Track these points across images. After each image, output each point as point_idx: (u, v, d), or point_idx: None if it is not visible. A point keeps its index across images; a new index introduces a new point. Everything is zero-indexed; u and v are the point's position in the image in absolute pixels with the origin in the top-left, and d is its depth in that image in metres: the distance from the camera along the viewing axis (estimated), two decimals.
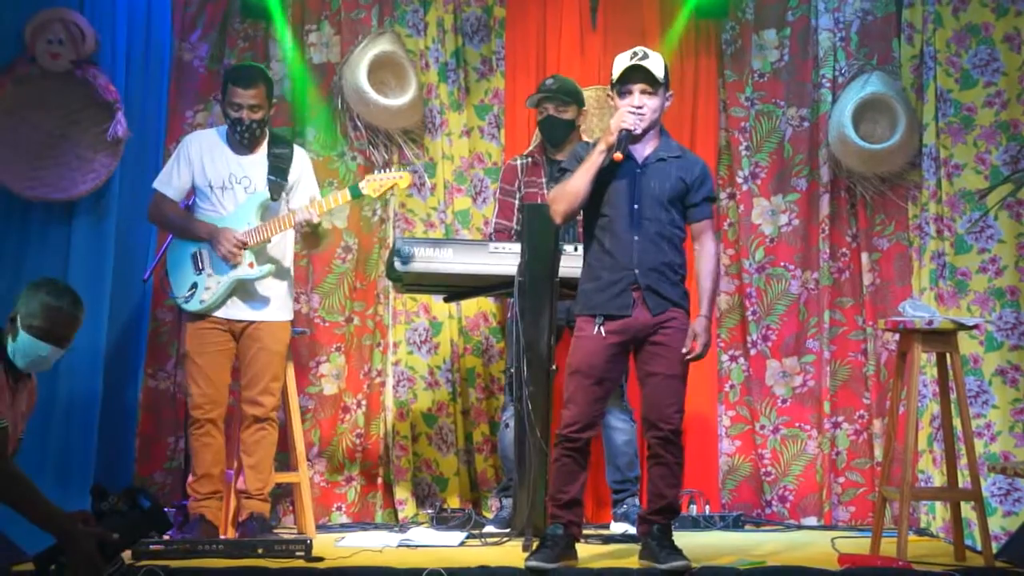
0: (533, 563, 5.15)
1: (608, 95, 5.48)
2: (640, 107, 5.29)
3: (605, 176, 5.29)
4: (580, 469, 5.36)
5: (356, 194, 6.14)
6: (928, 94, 6.95)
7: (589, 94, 6.94)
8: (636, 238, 5.28)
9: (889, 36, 7.17)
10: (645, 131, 5.33)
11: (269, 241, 6.07)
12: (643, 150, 5.37)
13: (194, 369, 6.05)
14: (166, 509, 6.26)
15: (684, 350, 5.24)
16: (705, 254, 5.39)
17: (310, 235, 6.13)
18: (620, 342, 5.29)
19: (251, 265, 6.03)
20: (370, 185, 6.13)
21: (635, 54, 5.33)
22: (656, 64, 5.31)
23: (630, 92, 5.31)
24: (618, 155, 5.19)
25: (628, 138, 5.25)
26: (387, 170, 6.41)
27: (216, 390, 6.05)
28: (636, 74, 5.30)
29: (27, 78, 6.39)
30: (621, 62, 5.34)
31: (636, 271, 5.26)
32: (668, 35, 7.25)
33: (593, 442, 6.76)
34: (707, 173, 5.45)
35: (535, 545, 5.35)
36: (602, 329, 5.27)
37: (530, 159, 6.67)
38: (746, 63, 7.30)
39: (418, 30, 7.29)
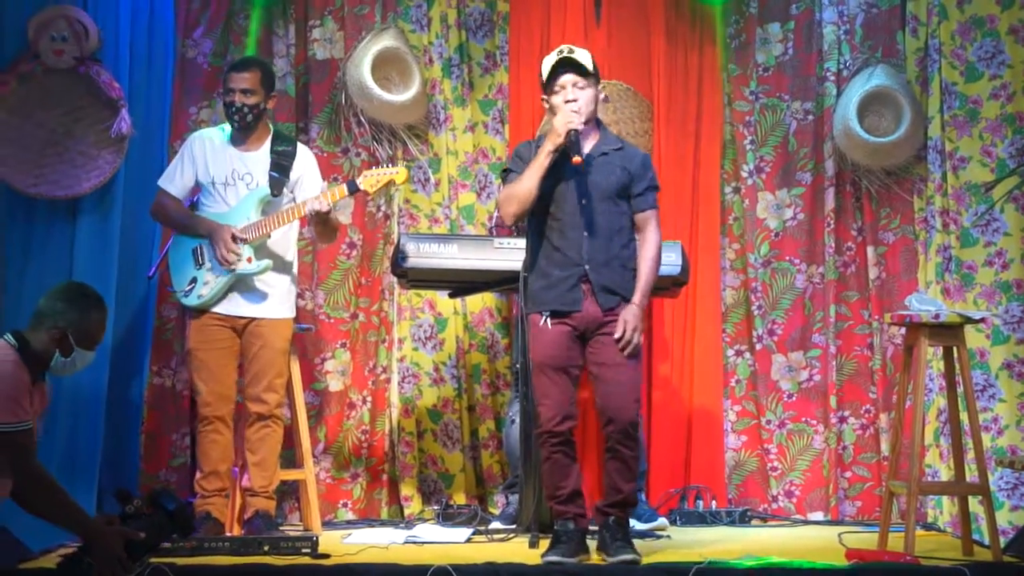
0: (552, 557, 5.16)
1: (542, 99, 5.52)
2: (574, 99, 5.34)
3: (550, 174, 5.33)
4: (571, 462, 5.39)
5: (353, 189, 6.14)
6: (933, 87, 6.94)
7: None
8: (585, 234, 5.33)
9: (894, 29, 7.15)
10: (585, 123, 5.36)
11: (269, 236, 6.06)
12: (585, 145, 5.40)
13: (200, 366, 6.06)
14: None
15: (616, 336, 5.26)
16: (647, 243, 5.42)
17: (322, 226, 6.15)
18: (572, 332, 5.34)
19: (249, 260, 6.03)
20: (367, 180, 6.14)
21: (560, 51, 5.40)
22: (584, 56, 5.39)
23: (563, 87, 5.36)
24: (577, 159, 5.26)
25: (579, 138, 5.30)
26: (385, 165, 6.41)
27: (224, 387, 6.06)
28: (565, 67, 5.36)
29: (31, 75, 6.37)
30: (548, 61, 5.42)
31: (586, 267, 5.32)
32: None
33: (596, 438, 6.80)
34: (648, 163, 5.52)
35: (549, 541, 5.34)
36: (548, 321, 5.32)
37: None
38: (750, 57, 7.28)
39: (421, 25, 7.28)
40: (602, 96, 5.61)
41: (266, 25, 7.16)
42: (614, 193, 5.36)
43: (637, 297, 5.33)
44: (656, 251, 5.41)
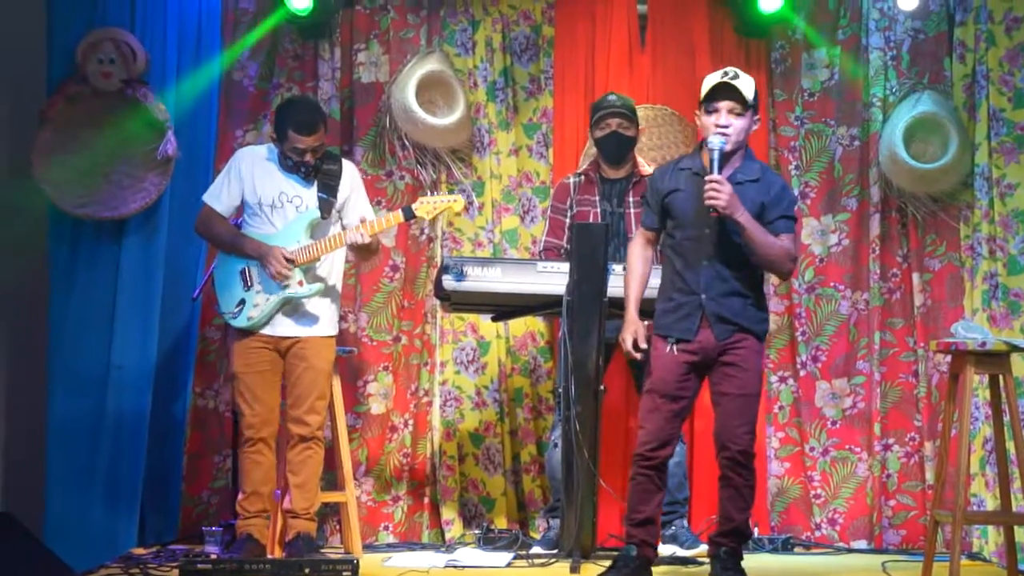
0: None
1: (695, 113, 5.42)
2: (726, 126, 5.23)
3: (680, 199, 5.28)
4: (656, 488, 5.31)
5: (409, 216, 6.11)
6: (980, 113, 6.90)
7: (639, 113, 6.82)
8: (705, 263, 5.24)
9: (940, 55, 7.12)
10: (732, 152, 5.26)
11: (319, 260, 6.05)
12: (723, 173, 5.25)
13: (244, 389, 6.03)
14: (215, 528, 6.32)
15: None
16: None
17: (362, 251, 6.13)
18: (691, 362, 5.25)
19: (300, 283, 6.01)
20: (423, 207, 6.10)
21: (726, 73, 5.27)
22: (746, 85, 5.26)
23: (716, 110, 5.25)
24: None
25: (721, 157, 5.20)
26: (441, 193, 6.37)
27: (268, 409, 6.04)
28: (723, 92, 5.24)
29: (78, 97, 6.43)
30: (710, 79, 5.29)
31: (703, 296, 5.23)
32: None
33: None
34: (784, 193, 5.35)
35: (610, 564, 5.30)
36: (675, 348, 5.25)
37: (583, 177, 6.61)
38: (796, 82, 7.25)
39: (466, 49, 7.29)
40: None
41: (311, 48, 7.20)
42: None
43: (745, 215, 5.14)
44: (782, 248, 5.23)
